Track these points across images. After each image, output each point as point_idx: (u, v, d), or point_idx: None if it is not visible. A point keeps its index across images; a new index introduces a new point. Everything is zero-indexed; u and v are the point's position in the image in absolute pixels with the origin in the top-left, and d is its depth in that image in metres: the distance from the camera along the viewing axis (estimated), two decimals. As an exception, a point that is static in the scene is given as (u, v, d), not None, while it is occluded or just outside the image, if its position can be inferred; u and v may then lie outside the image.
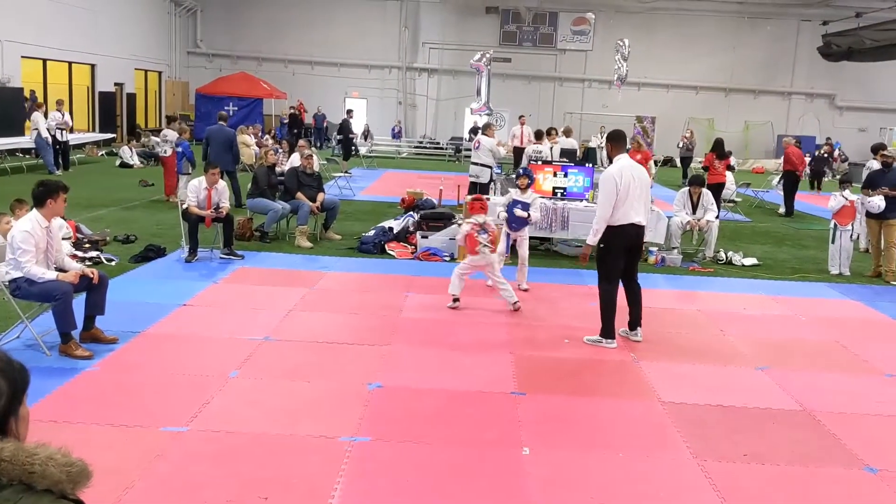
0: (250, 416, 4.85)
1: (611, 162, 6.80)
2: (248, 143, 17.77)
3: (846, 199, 10.41)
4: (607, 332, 6.69)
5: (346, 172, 18.94)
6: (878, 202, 10.10)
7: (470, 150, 22.09)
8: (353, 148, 22.98)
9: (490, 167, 13.56)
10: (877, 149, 13.30)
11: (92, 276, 6.02)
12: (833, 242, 10.56)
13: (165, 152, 14.11)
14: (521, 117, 20.90)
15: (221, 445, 4.41)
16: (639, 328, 6.89)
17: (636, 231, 6.57)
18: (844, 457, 4.71)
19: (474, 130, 22.59)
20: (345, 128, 22.00)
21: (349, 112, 23.46)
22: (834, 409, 5.50)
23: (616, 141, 6.84)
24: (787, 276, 10.17)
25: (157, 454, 4.25)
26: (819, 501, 4.18)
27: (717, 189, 14.97)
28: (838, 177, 16.31)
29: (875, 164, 13.06)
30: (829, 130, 31.00)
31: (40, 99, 20.64)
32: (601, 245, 6.58)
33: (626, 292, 6.81)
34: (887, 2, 25.24)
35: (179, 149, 13.53)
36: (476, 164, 13.73)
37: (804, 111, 32.17)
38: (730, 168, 15.25)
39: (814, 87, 31.89)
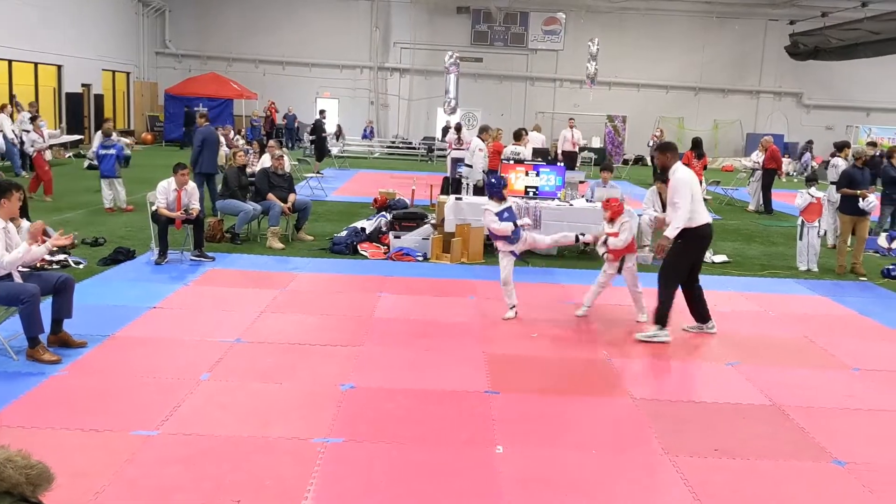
0: (222, 418, 4.82)
1: (666, 171, 7.08)
2: (220, 144, 17.61)
3: (812, 196, 10.56)
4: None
5: (318, 173, 18.85)
6: (874, 200, 10.38)
7: (443, 149, 22.07)
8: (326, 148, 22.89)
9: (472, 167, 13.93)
10: (841, 146, 13.48)
11: (69, 240, 5.99)
12: (801, 239, 10.70)
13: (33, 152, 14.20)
14: (570, 119, 20.71)
15: (193, 449, 4.37)
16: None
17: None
18: (813, 450, 4.78)
19: (447, 129, 22.56)
20: (318, 128, 21.89)
21: (322, 112, 23.33)
22: (803, 403, 5.58)
23: (672, 150, 7.17)
24: (757, 273, 10.31)
25: (127, 458, 4.20)
26: (789, 495, 4.23)
27: None
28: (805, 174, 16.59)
29: (840, 162, 13.22)
30: (797, 129, 31.47)
31: (24, 104, 20.18)
32: (678, 240, 6.87)
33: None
34: (852, 2, 25.66)
35: (113, 151, 13.18)
36: (468, 165, 14.11)
37: (772, 109, 32.57)
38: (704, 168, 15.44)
39: (781, 86, 32.30)
